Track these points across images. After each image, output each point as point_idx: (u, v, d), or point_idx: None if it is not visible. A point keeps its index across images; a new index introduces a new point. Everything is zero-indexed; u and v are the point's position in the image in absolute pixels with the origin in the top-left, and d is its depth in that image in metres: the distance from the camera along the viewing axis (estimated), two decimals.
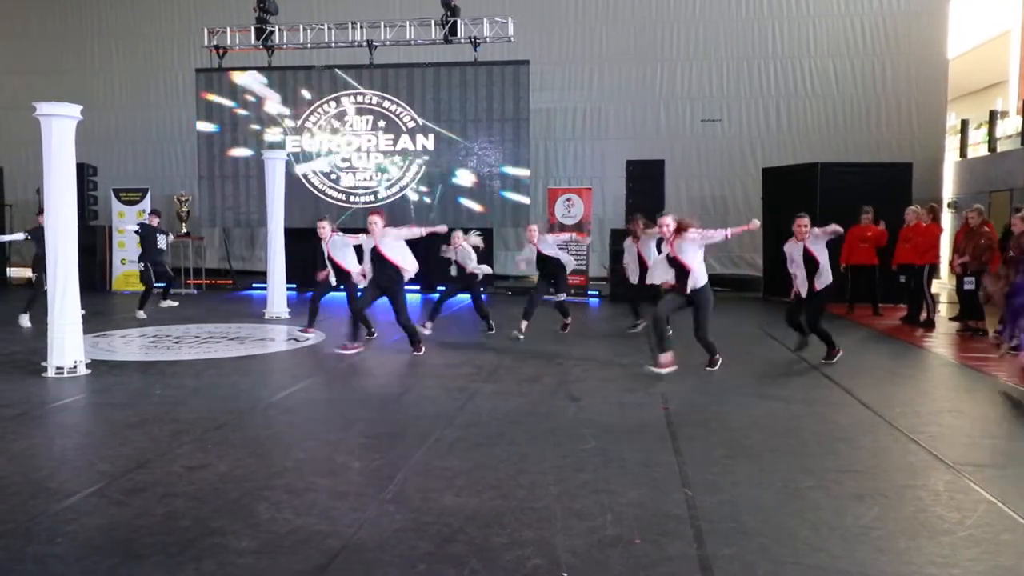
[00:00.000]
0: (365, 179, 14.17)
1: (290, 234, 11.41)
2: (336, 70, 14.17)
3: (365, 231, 7.69)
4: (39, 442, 4.74)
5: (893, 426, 5.13)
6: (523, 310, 8.80)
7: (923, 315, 9.87)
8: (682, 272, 6.71)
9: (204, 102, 14.34)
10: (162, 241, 11.46)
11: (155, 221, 11.58)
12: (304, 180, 14.23)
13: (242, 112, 14.31)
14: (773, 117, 15.43)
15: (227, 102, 14.34)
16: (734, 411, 5.55)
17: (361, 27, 13.91)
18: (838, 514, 3.58)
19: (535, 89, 14.17)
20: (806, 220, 7.18)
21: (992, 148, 14.66)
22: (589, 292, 13.45)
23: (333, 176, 14.23)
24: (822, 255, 7.06)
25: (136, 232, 11.58)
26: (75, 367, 6.63)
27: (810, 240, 7.07)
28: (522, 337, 8.49)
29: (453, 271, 9.07)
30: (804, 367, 7.26)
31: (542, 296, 9.04)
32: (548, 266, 8.99)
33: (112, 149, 16.83)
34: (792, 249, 7.25)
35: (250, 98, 14.28)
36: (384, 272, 7.52)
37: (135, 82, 17.15)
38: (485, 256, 11.28)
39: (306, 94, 14.18)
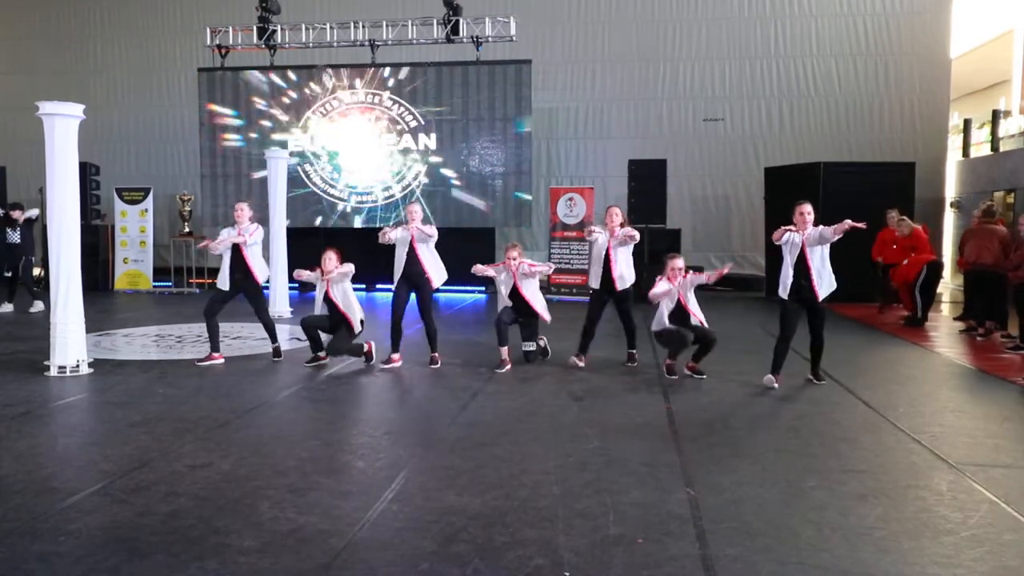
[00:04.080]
0: (367, 178, 14.16)
1: (292, 234, 11.42)
2: (338, 69, 14.17)
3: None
4: (42, 441, 4.75)
5: (896, 426, 5.13)
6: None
7: (912, 312, 9.94)
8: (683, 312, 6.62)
9: (207, 101, 14.33)
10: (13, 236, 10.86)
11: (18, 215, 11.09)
12: (306, 179, 14.23)
13: (244, 111, 14.31)
14: (775, 116, 15.42)
15: (228, 109, 14.33)
16: (737, 411, 5.55)
17: (363, 26, 13.90)
18: (841, 514, 3.58)
19: (537, 88, 14.15)
20: (808, 207, 6.18)
21: (995, 148, 14.64)
22: None
23: (335, 175, 14.24)
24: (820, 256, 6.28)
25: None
26: (78, 366, 6.64)
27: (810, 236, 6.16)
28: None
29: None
30: (806, 367, 7.24)
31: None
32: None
33: (115, 148, 16.85)
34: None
35: (252, 97, 14.28)
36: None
37: (138, 81, 17.16)
38: (486, 258, 11.26)
39: (308, 93, 14.18)
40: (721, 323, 10.12)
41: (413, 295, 7.25)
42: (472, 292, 13.80)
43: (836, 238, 5.93)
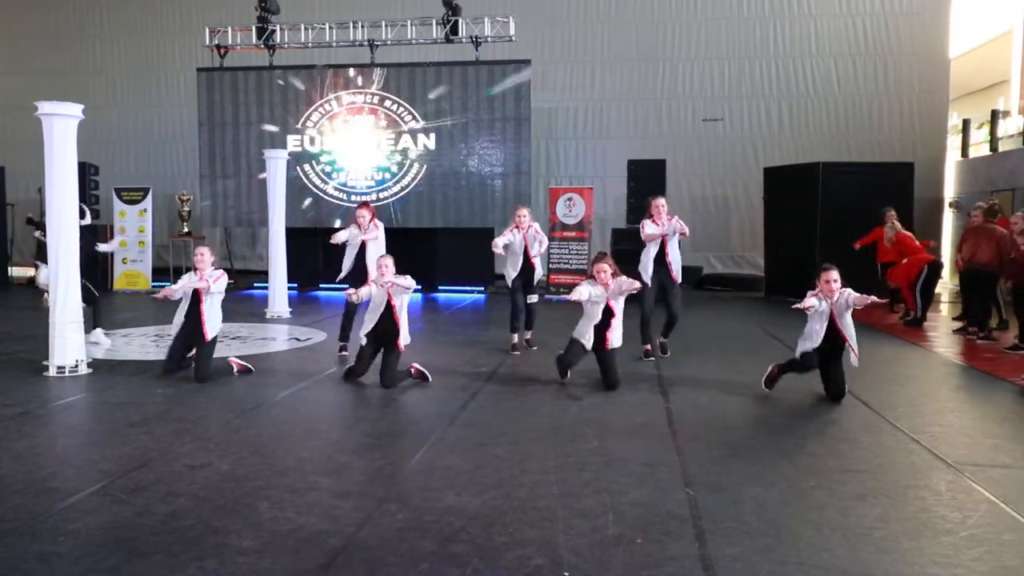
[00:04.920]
0: (366, 178, 14.16)
1: (291, 233, 11.42)
2: (337, 69, 14.17)
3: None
4: (42, 441, 4.74)
5: (895, 426, 5.13)
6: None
7: (914, 312, 9.94)
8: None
9: (207, 102, 14.32)
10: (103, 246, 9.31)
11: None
12: (305, 179, 14.22)
13: (243, 112, 14.30)
14: (775, 116, 15.42)
15: (227, 108, 14.32)
16: (736, 410, 5.55)
17: (362, 26, 13.90)
18: (841, 514, 3.58)
19: (536, 88, 14.15)
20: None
21: (994, 148, 14.65)
22: None
23: (334, 176, 14.23)
24: None
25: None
26: (76, 366, 6.63)
27: None
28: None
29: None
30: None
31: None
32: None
33: (114, 148, 16.85)
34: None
35: (251, 97, 14.27)
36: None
37: (136, 81, 17.15)
38: (485, 258, 11.20)
39: (307, 94, 14.17)
40: (721, 323, 10.17)
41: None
42: (472, 292, 13.80)
43: (858, 307, 5.68)
